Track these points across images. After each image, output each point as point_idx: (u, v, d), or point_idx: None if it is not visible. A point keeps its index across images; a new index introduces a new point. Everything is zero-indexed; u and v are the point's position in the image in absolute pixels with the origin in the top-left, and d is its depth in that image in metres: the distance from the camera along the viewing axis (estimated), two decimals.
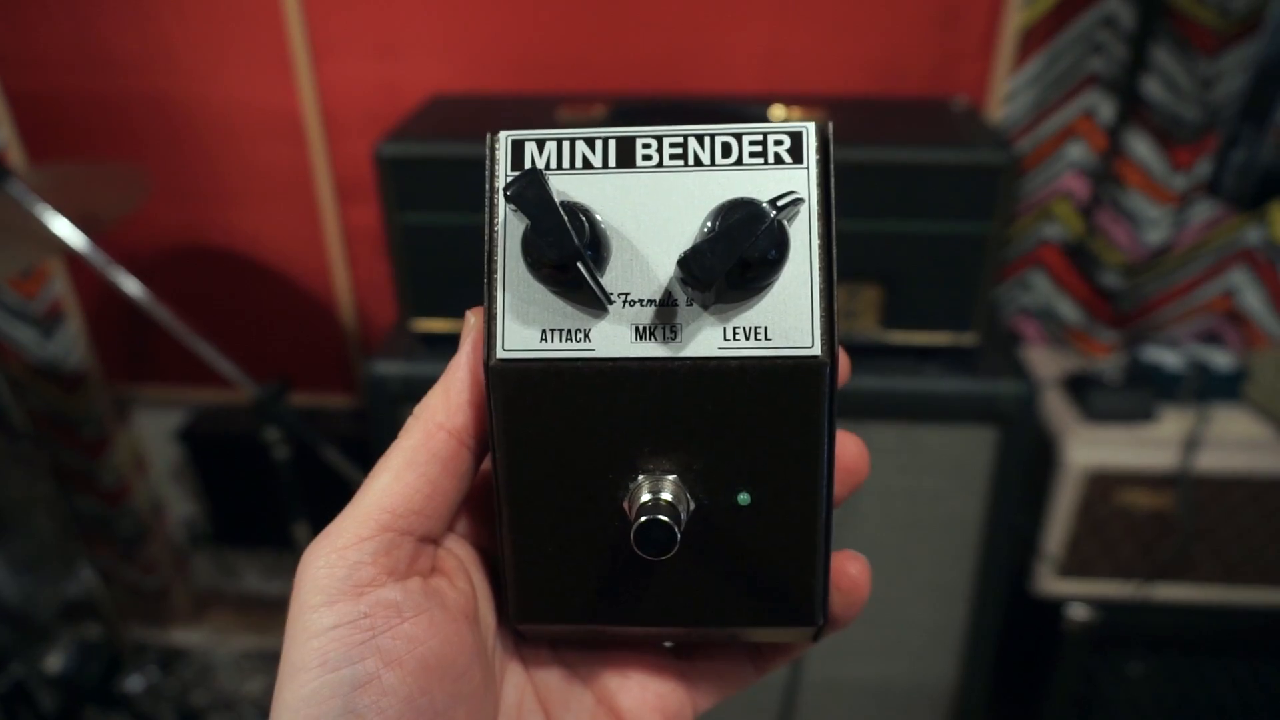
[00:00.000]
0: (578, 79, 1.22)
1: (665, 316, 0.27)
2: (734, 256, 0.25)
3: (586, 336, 0.27)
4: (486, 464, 0.30)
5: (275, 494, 1.17)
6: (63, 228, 0.96)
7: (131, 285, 1.02)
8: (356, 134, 1.28)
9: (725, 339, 0.27)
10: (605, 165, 0.28)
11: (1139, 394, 1.14)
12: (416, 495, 0.28)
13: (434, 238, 0.95)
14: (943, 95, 1.15)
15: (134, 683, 1.56)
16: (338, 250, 1.38)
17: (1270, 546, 1.12)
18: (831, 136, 0.28)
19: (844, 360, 0.29)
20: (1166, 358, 1.18)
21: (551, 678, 0.33)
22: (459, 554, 0.31)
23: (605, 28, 1.19)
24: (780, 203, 0.27)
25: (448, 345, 1.06)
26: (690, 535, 0.28)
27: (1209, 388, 1.16)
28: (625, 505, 0.28)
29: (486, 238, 0.28)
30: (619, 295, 0.28)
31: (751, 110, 0.99)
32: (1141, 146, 1.19)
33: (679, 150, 0.29)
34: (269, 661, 1.72)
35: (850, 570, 0.32)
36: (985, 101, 1.20)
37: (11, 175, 0.94)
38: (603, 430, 0.28)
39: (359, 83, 1.26)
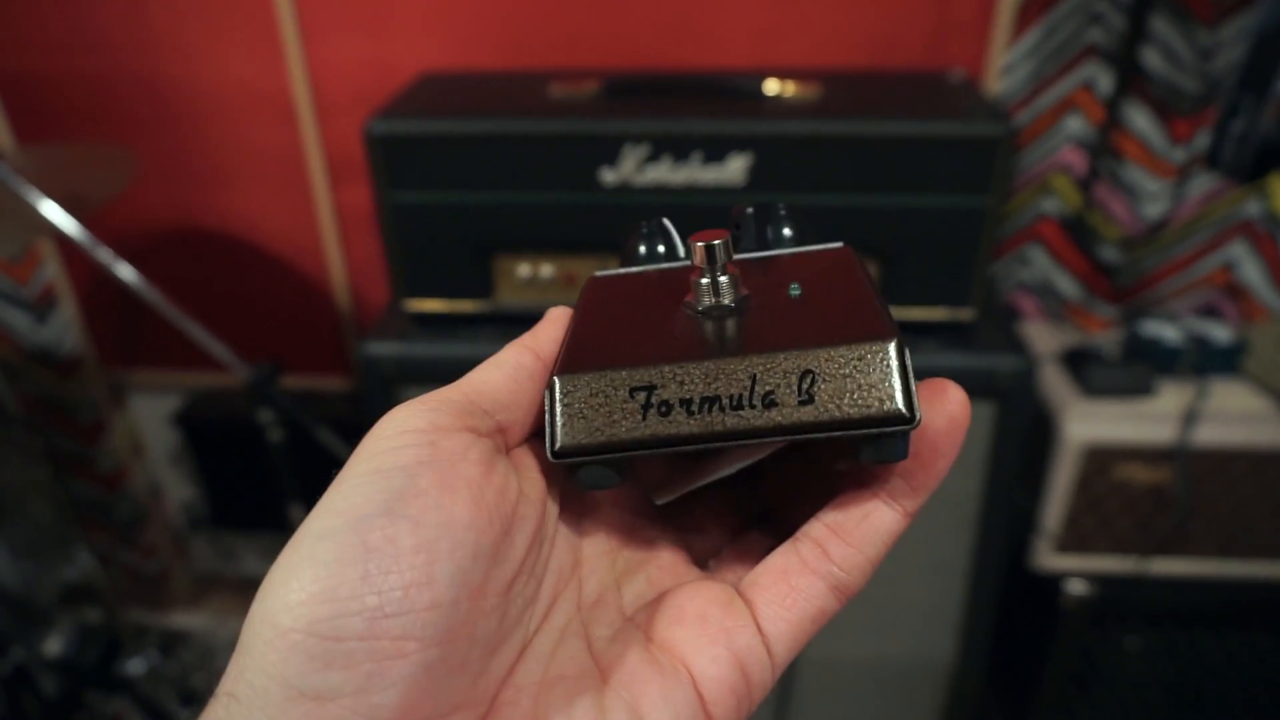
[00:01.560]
0: (569, 55, 1.21)
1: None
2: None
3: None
4: None
5: (272, 477, 1.16)
6: (50, 209, 0.95)
7: (122, 268, 1.01)
8: (348, 113, 1.27)
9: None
10: None
11: (1137, 369, 1.13)
12: (502, 389, 0.28)
13: (425, 216, 0.94)
14: (939, 68, 1.13)
15: (135, 666, 1.56)
16: (330, 231, 1.37)
17: (1268, 520, 1.12)
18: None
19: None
20: (1165, 332, 1.18)
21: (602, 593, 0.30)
22: (534, 462, 0.29)
23: (596, 2, 1.18)
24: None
25: (441, 325, 1.05)
26: (747, 316, 0.29)
27: (1207, 362, 1.16)
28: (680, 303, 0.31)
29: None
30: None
31: (745, 85, 0.98)
32: (1140, 119, 1.18)
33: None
34: None
35: (956, 388, 0.27)
36: (982, 74, 1.19)
37: None
38: (663, 281, 0.33)
39: (350, 61, 1.24)
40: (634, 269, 0.35)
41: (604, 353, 0.28)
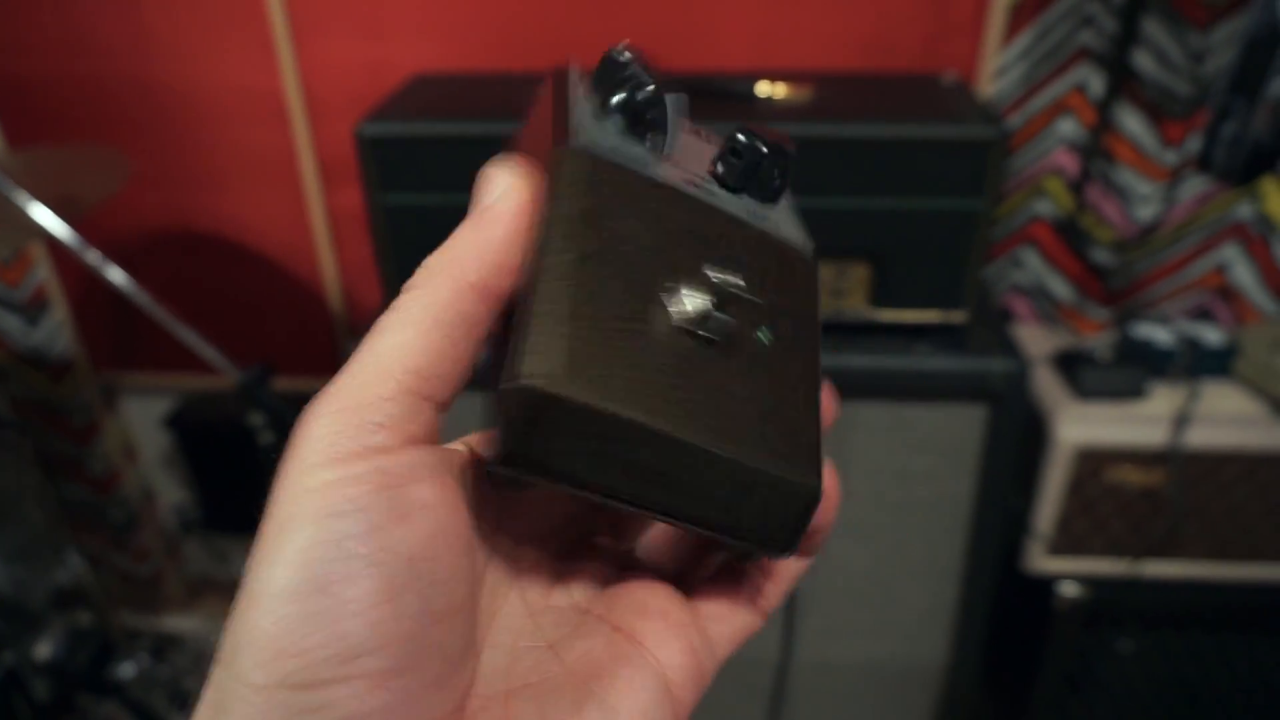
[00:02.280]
0: (561, 57, 1.20)
1: (709, 185, 0.31)
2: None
3: (646, 165, 0.29)
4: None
5: (264, 480, 1.16)
6: (41, 213, 0.94)
7: (112, 271, 1.01)
8: (340, 115, 1.27)
9: (748, 215, 0.31)
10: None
11: (1130, 371, 1.13)
12: (443, 360, 0.25)
13: (417, 218, 0.94)
14: (932, 70, 1.14)
15: (126, 669, 1.56)
16: (323, 233, 1.37)
17: (1260, 522, 1.12)
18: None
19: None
20: (1157, 334, 1.18)
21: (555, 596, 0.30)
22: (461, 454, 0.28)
23: (590, 4, 1.18)
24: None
25: None
26: (718, 350, 0.27)
27: (1200, 364, 1.16)
28: (666, 301, 0.27)
29: (555, 107, 0.31)
30: (674, 158, 0.31)
31: (737, 87, 0.98)
32: (1132, 121, 1.18)
33: None
34: None
35: (829, 471, 0.29)
36: (975, 77, 1.19)
37: None
38: (655, 231, 0.28)
39: (342, 63, 1.24)
40: (633, 167, 0.29)
41: (604, 366, 0.24)
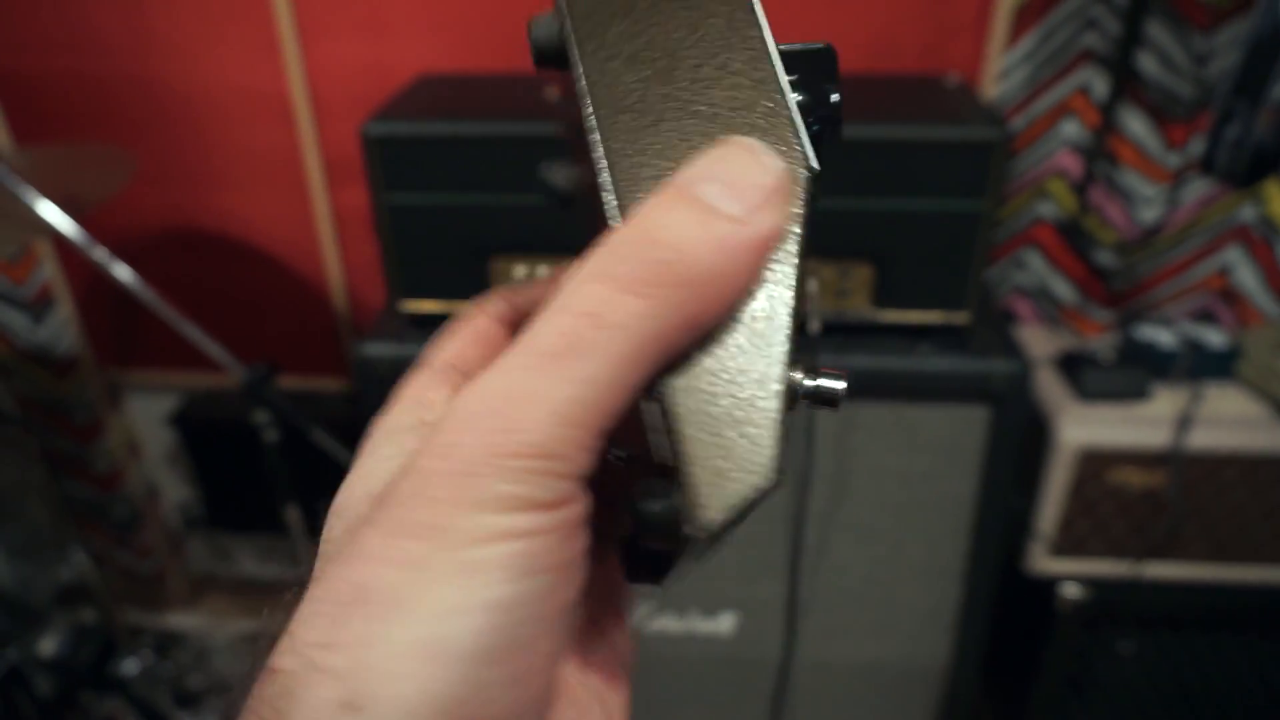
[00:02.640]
0: None
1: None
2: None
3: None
4: None
5: (269, 478, 1.16)
6: (47, 210, 0.95)
7: (119, 268, 1.01)
8: (346, 115, 1.27)
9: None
10: None
11: (1132, 373, 1.14)
12: (624, 404, 0.21)
13: (422, 218, 0.95)
14: (936, 72, 1.14)
15: (129, 666, 1.56)
16: (328, 232, 1.37)
17: (1262, 524, 1.12)
18: None
19: None
20: (1160, 336, 1.18)
21: None
22: None
23: None
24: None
25: (438, 326, 1.04)
26: None
27: (1202, 366, 1.16)
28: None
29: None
30: None
31: None
32: (1136, 123, 1.18)
33: None
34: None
35: None
36: (979, 78, 1.19)
37: None
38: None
39: (347, 63, 1.25)
40: None
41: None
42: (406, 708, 0.19)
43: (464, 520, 0.20)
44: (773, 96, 0.24)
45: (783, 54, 0.26)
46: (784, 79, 0.25)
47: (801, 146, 0.23)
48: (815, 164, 0.23)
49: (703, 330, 0.22)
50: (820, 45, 0.27)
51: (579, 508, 0.21)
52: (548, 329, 0.21)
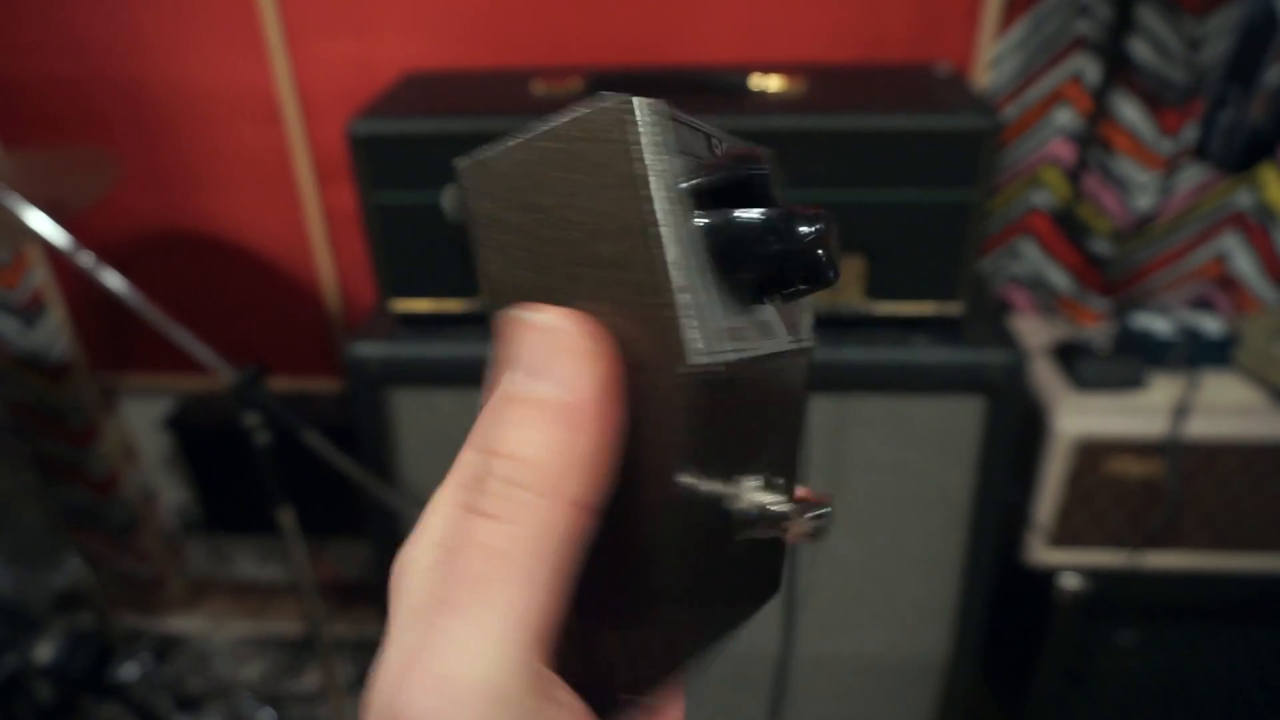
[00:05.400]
0: (553, 53, 1.20)
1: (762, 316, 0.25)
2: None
3: (755, 336, 0.24)
4: None
5: (262, 480, 1.16)
6: (33, 216, 0.94)
7: (106, 272, 1.00)
8: (334, 113, 1.26)
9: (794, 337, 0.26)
10: None
11: (1128, 362, 1.13)
12: (559, 608, 0.20)
13: (411, 217, 0.94)
14: (926, 61, 1.13)
15: (128, 671, 1.56)
16: (319, 233, 1.37)
17: (1259, 513, 1.12)
18: None
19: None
20: (1157, 324, 1.17)
21: None
22: None
23: (579, 0, 1.17)
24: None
25: (428, 325, 1.05)
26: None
27: (1199, 354, 1.15)
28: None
29: (640, 226, 0.21)
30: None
31: (730, 80, 0.97)
32: (1129, 110, 1.17)
33: None
34: (265, 647, 1.72)
35: None
36: (970, 67, 1.18)
37: None
38: (749, 445, 0.25)
39: (335, 61, 1.24)
40: (747, 355, 0.23)
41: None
42: None
43: None
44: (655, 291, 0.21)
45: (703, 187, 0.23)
46: (678, 274, 0.21)
47: (680, 341, 0.21)
48: (698, 360, 0.21)
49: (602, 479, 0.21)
50: (756, 153, 0.24)
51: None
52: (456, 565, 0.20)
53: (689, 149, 0.23)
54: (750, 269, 0.22)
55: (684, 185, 0.22)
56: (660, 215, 0.21)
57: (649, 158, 0.21)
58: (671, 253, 0.21)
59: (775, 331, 0.24)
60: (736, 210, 0.22)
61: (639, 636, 0.23)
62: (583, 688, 0.22)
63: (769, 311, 0.25)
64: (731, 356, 0.22)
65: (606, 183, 0.21)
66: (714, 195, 0.23)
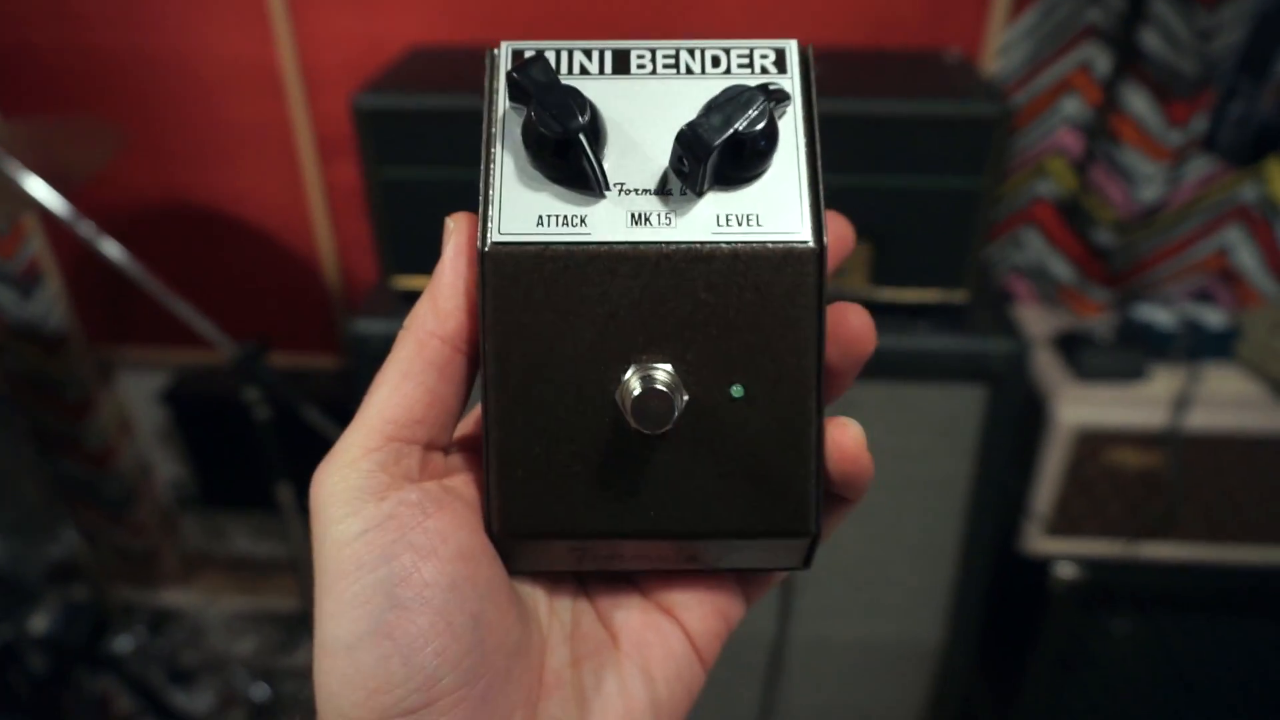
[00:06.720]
0: (559, 29, 1.19)
1: (660, 204, 0.28)
2: (728, 128, 0.26)
3: (582, 222, 0.28)
4: None
5: (261, 455, 1.16)
6: (34, 184, 0.93)
7: (106, 244, 1.00)
8: (337, 87, 1.25)
9: (718, 225, 0.28)
10: (601, 72, 0.30)
11: (1130, 353, 1.13)
12: (417, 405, 0.28)
13: (414, 192, 0.93)
14: (936, 47, 1.12)
15: (123, 643, 1.56)
16: (320, 208, 1.36)
17: (1258, 505, 1.12)
18: (812, 56, 0.30)
19: (847, 232, 0.31)
20: (1158, 316, 1.17)
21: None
22: (468, 460, 0.31)
23: None
24: (770, 88, 0.28)
25: None
26: (684, 431, 0.28)
27: (1201, 346, 1.15)
28: (618, 397, 0.27)
29: (484, 135, 0.29)
30: (615, 185, 0.28)
31: None
32: (1138, 101, 1.17)
33: (671, 61, 0.30)
34: (259, 622, 1.72)
35: (849, 432, 0.29)
36: (979, 54, 1.17)
37: None
38: (596, 319, 0.27)
39: (339, 34, 1.22)
40: (565, 239, 0.27)
41: (543, 508, 0.28)
42: (346, 689, 0.26)
43: (323, 544, 0.27)
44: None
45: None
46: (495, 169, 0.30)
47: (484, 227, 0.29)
48: (494, 239, 0.28)
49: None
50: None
51: (408, 493, 0.27)
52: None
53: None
54: (546, 150, 0.28)
55: (511, 105, 0.29)
56: (496, 132, 0.29)
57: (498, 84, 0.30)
58: (496, 168, 0.29)
59: (607, 221, 0.28)
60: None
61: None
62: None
63: (680, 203, 0.28)
64: (527, 246, 0.27)
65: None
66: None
